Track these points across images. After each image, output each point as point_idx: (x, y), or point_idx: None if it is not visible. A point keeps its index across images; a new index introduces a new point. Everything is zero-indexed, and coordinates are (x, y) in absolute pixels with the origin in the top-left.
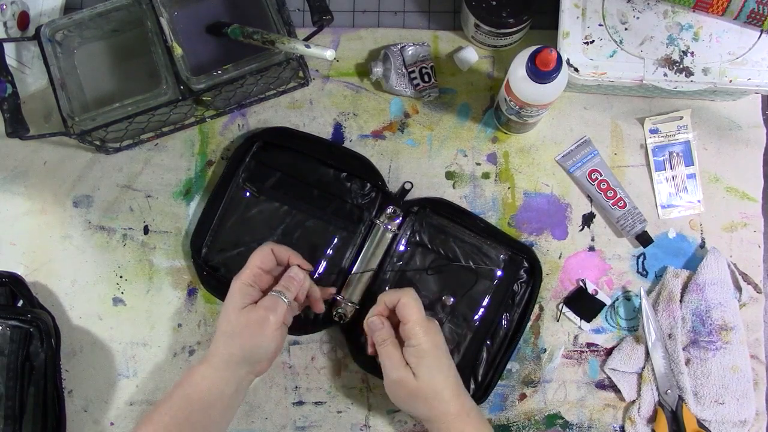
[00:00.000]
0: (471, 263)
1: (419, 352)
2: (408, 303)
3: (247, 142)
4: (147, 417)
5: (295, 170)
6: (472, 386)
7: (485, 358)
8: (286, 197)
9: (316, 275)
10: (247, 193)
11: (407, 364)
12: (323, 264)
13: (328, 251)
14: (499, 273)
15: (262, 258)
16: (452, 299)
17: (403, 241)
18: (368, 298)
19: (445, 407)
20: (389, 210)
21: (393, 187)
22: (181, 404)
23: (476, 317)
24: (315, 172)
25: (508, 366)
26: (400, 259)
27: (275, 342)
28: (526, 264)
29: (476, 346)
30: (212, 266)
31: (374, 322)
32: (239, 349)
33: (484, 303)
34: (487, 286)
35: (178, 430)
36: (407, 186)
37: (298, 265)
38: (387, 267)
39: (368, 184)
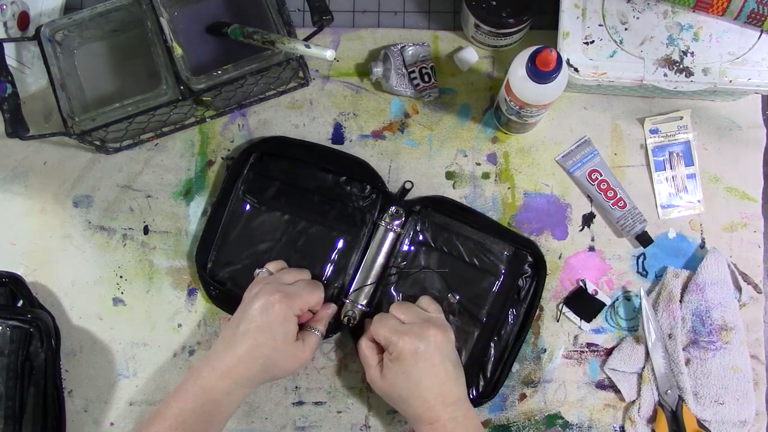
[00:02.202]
0: (475, 260)
1: (391, 357)
2: (373, 331)
3: (244, 155)
4: (154, 418)
5: (294, 178)
6: (481, 383)
7: (493, 354)
8: (287, 206)
9: (324, 280)
10: (248, 206)
11: (382, 360)
12: (330, 269)
13: (333, 256)
14: (503, 269)
15: (318, 301)
16: (457, 297)
17: (407, 241)
18: (375, 300)
19: (415, 413)
20: (391, 210)
21: (393, 187)
22: (192, 412)
23: (482, 314)
24: (314, 178)
25: None
26: (404, 258)
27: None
28: (530, 258)
29: (483, 342)
30: (219, 281)
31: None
32: (272, 375)
33: (490, 299)
34: (492, 282)
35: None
36: (408, 186)
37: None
38: (392, 267)
39: (368, 187)
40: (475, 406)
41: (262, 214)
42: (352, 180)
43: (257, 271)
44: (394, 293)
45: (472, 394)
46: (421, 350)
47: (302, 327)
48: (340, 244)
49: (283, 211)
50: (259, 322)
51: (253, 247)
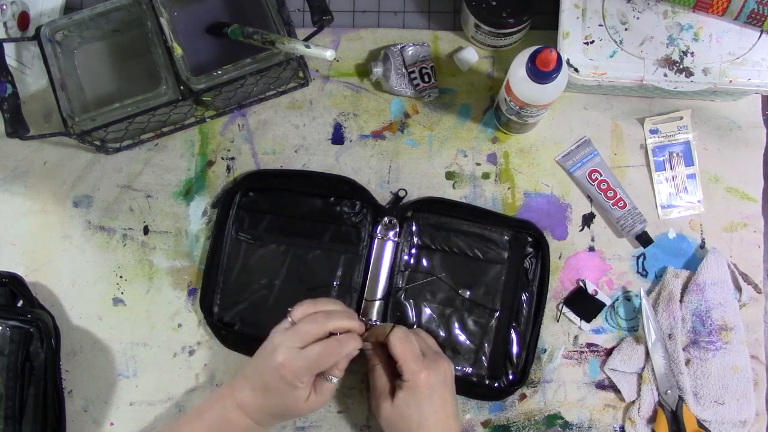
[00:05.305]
0: (478, 252)
1: (405, 385)
2: (394, 344)
3: (229, 195)
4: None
5: (283, 208)
6: (510, 371)
7: (516, 340)
8: (282, 237)
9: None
10: (243, 244)
11: (393, 388)
12: (335, 291)
13: (336, 278)
14: (506, 255)
15: (336, 362)
16: (468, 292)
17: (406, 248)
18: (388, 313)
19: None
20: (385, 221)
21: (393, 187)
22: None
23: (496, 303)
24: (303, 204)
25: None
26: (407, 266)
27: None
28: (530, 239)
29: (503, 330)
30: (227, 323)
31: (364, 348)
32: (290, 419)
33: (500, 288)
34: (498, 270)
35: None
36: (401, 193)
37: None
38: (397, 276)
39: (357, 203)
40: (507, 395)
41: (259, 250)
42: (341, 199)
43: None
44: (405, 303)
45: (503, 384)
46: (436, 385)
47: (319, 374)
48: (341, 264)
49: (279, 242)
50: (271, 384)
51: (255, 284)
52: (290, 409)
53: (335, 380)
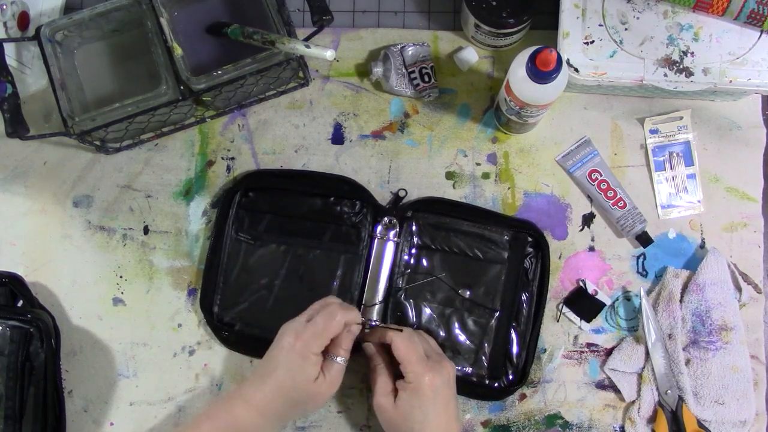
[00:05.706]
0: (478, 252)
1: (408, 387)
2: (398, 346)
3: (229, 195)
4: None
5: (283, 208)
6: (510, 371)
7: (516, 340)
8: (282, 237)
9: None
10: (243, 244)
11: (395, 389)
12: (336, 291)
13: (336, 278)
14: (506, 255)
15: (338, 328)
16: (468, 292)
17: (407, 248)
18: (388, 313)
19: None
20: (384, 221)
21: (393, 187)
22: None
23: (496, 303)
24: (303, 204)
25: None
26: (407, 266)
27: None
28: (530, 239)
29: (504, 330)
30: (227, 323)
31: (366, 348)
32: (300, 412)
33: (500, 288)
34: (498, 270)
35: None
36: (401, 193)
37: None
38: (397, 277)
39: (358, 203)
40: (507, 395)
41: (259, 250)
42: (341, 199)
43: None
44: (405, 303)
45: (503, 383)
46: (439, 387)
47: (326, 355)
48: (341, 265)
49: (279, 242)
50: (281, 362)
51: (255, 284)
52: (300, 391)
53: (341, 360)
